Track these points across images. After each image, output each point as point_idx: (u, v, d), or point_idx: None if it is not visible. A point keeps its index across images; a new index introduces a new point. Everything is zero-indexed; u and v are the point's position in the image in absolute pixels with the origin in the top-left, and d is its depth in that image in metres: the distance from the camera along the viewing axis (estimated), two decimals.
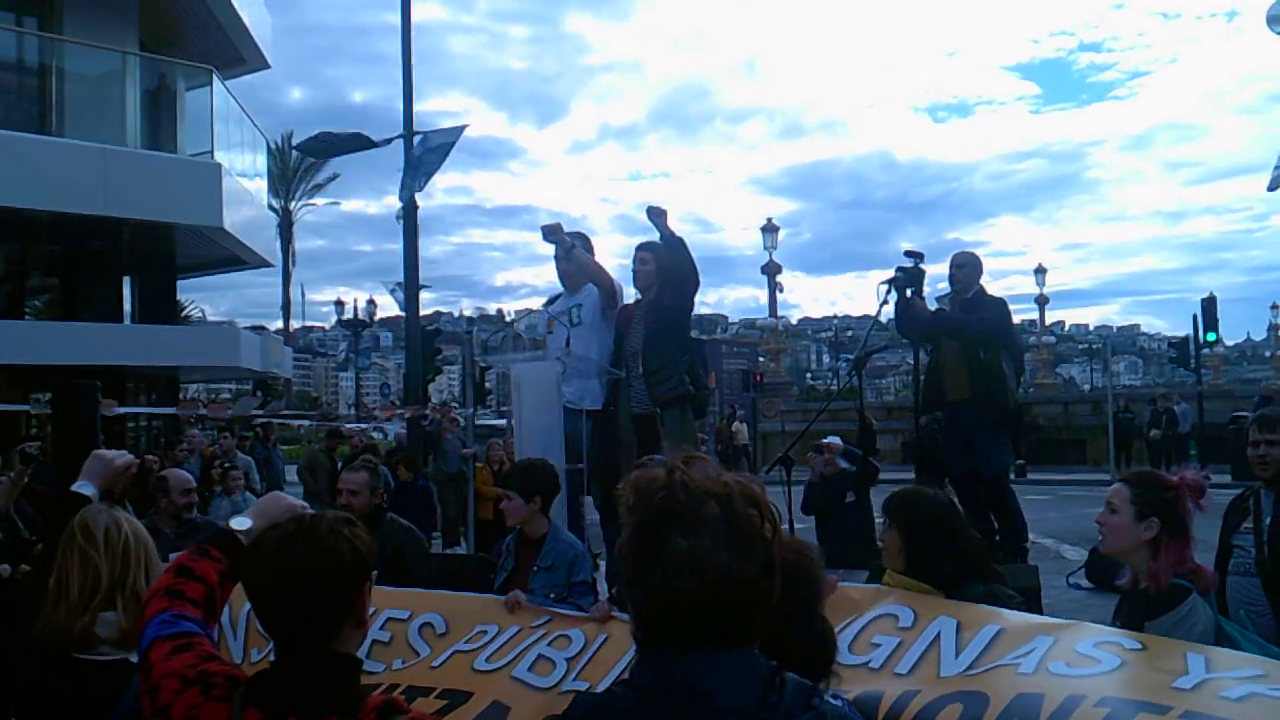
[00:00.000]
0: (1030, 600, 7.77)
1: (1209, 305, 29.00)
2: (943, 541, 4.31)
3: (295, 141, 58.49)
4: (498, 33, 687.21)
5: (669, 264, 8.32)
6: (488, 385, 19.47)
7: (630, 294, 8.75)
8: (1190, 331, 29.70)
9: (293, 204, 58.12)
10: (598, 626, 4.40)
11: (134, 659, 2.82)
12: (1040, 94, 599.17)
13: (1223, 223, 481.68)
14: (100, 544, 3.35)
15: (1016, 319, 10.57)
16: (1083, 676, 3.30)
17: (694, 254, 8.36)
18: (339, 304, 44.71)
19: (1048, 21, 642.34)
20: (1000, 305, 9.30)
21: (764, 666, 1.80)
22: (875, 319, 9.37)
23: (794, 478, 8.68)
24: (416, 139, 17.19)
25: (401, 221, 17.83)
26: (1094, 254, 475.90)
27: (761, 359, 45.04)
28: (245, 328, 30.74)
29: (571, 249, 8.55)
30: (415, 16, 18.06)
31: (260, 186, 25.24)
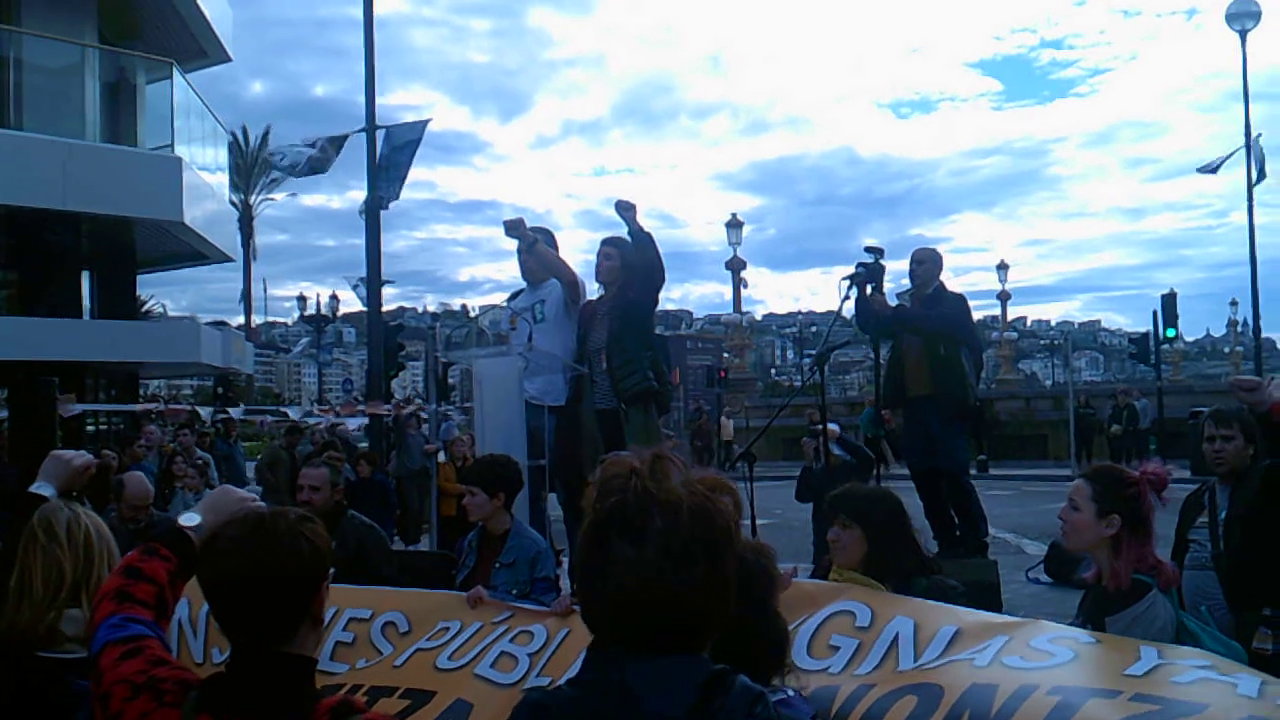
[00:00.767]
0: (989, 595, 7.86)
1: (1169, 301, 29.25)
2: (903, 540, 4.40)
3: (263, 139, 58.56)
4: (460, 26, 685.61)
5: (634, 260, 8.32)
6: (451, 381, 19.39)
7: (593, 289, 8.75)
8: (1150, 327, 29.97)
9: (253, 198, 57.82)
10: (560, 621, 4.38)
11: None
12: (1002, 90, 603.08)
13: (1183, 219, 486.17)
14: (63, 540, 3.32)
15: (979, 315, 10.67)
16: (1036, 669, 3.32)
17: (660, 250, 8.39)
18: (301, 299, 44.27)
19: (1010, 18, 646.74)
20: (960, 301, 9.37)
21: (704, 673, 1.79)
22: (838, 314, 9.40)
23: (758, 473, 8.71)
24: (380, 134, 17.13)
25: (364, 217, 17.76)
26: (1056, 250, 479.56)
27: (726, 355, 45.21)
28: (206, 323, 30.52)
29: (534, 244, 8.54)
30: (377, 10, 18.00)
31: (221, 180, 25.08)
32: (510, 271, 9.11)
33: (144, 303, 27.47)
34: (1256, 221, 27.78)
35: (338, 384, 61.52)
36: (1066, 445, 29.75)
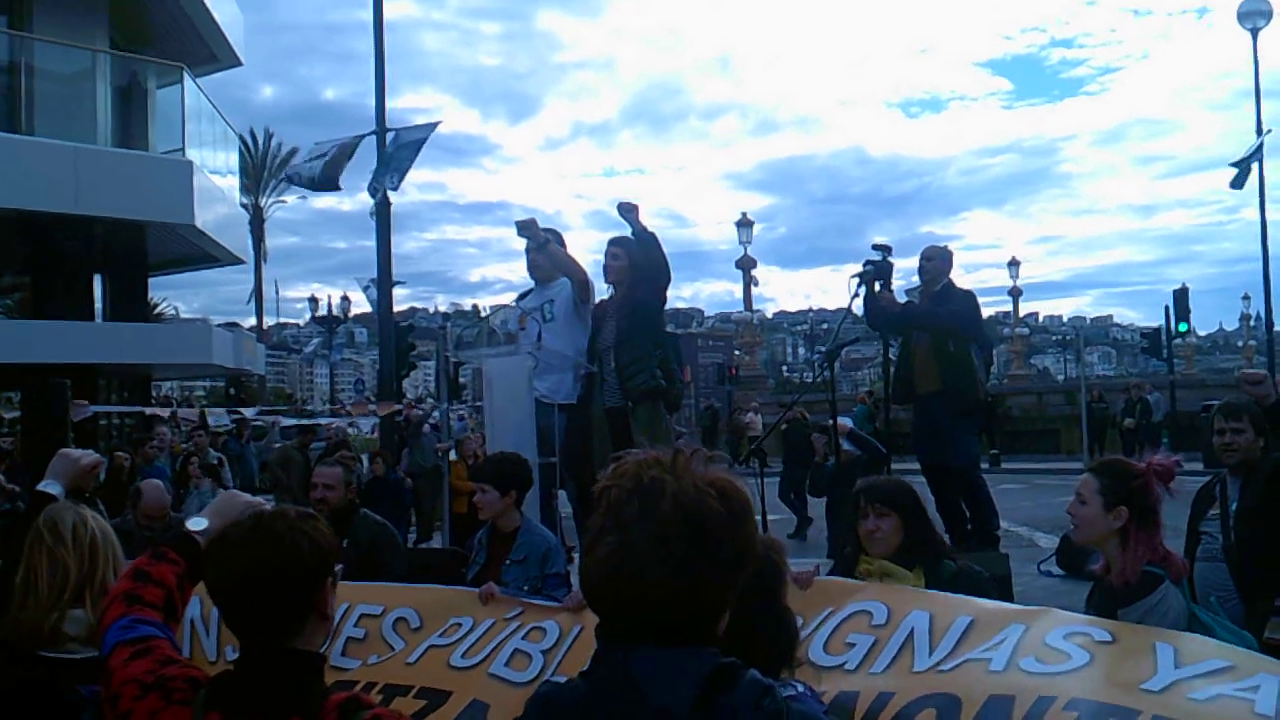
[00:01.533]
0: (1002, 587, 7.84)
1: (1180, 296, 29.20)
2: (929, 525, 4.60)
3: (268, 143, 58.62)
4: (469, 29, 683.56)
5: (640, 259, 8.34)
6: (462, 380, 19.44)
7: (603, 289, 8.77)
8: (1162, 322, 29.90)
9: (264, 200, 57.90)
10: (572, 617, 4.38)
11: None
12: (1012, 90, 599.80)
13: (1194, 216, 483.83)
14: (68, 541, 3.34)
15: (990, 311, 10.70)
16: (1052, 674, 3.31)
17: (665, 249, 8.40)
18: (313, 300, 44.35)
19: (1019, 18, 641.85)
20: (969, 298, 9.37)
21: (711, 666, 1.78)
22: (848, 312, 9.41)
23: (768, 470, 8.69)
24: (389, 136, 17.15)
25: (375, 218, 17.78)
26: (1067, 247, 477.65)
27: (737, 352, 45.12)
28: (218, 325, 30.61)
29: (546, 243, 8.56)
30: (387, 14, 18.04)
31: (232, 184, 25.13)
32: (521, 272, 9.11)
33: (156, 305, 27.56)
34: (1269, 217, 27.75)
35: (349, 384, 61.50)
36: (1079, 439, 29.67)
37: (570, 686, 1.87)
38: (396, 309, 21.97)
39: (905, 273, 10.15)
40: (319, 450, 16.83)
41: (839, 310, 9.92)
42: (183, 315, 46.91)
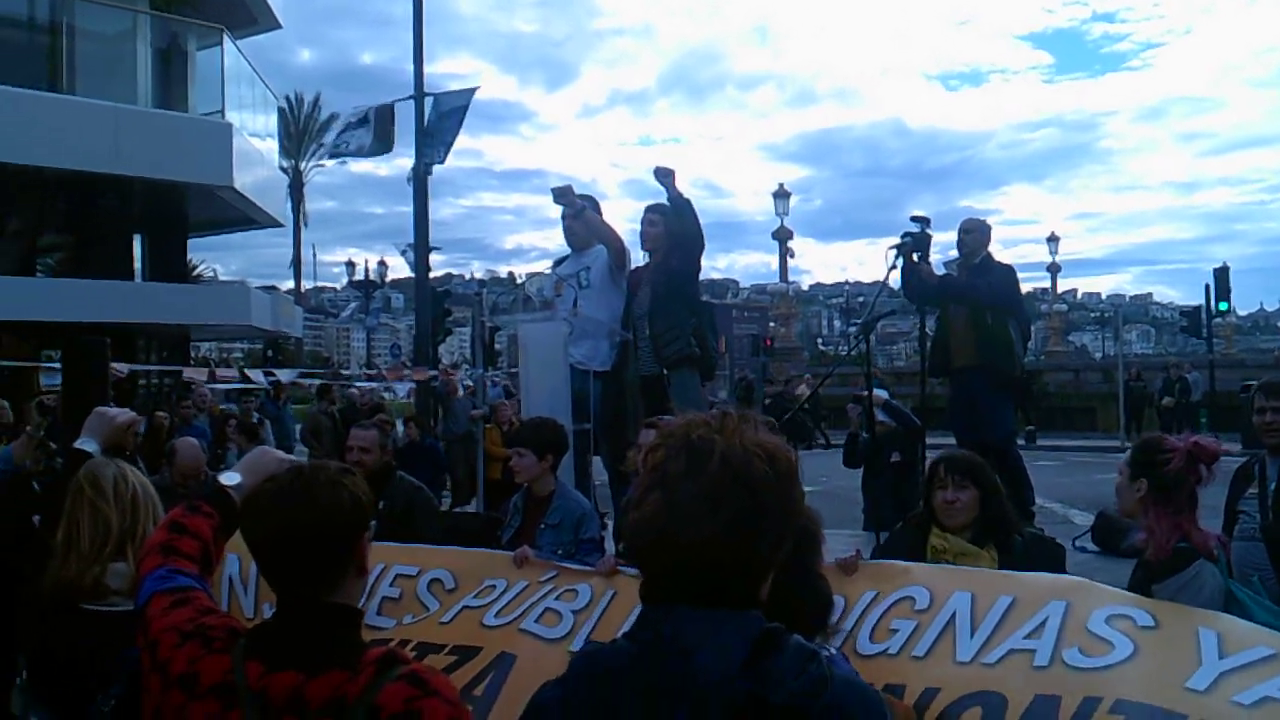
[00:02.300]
0: None
1: (1221, 275, 28.91)
2: (1004, 502, 4.66)
3: (310, 106, 58.71)
4: None
5: (676, 226, 8.33)
6: (498, 347, 19.51)
7: (638, 257, 8.77)
8: (1202, 301, 29.63)
9: (303, 164, 58.09)
10: (605, 581, 4.41)
11: None
12: (1053, 63, 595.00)
13: (1237, 194, 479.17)
14: (109, 495, 3.37)
15: (1028, 287, 10.58)
16: (1098, 670, 3.32)
17: (700, 217, 8.38)
18: (350, 265, 44.47)
19: None
20: (1008, 271, 9.29)
21: (757, 629, 1.76)
22: (884, 284, 9.35)
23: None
24: (428, 101, 17.16)
25: (412, 184, 17.83)
26: (1107, 224, 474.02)
27: (772, 324, 45.04)
28: (256, 287, 30.78)
29: (582, 210, 8.55)
30: None
31: (271, 147, 25.23)
32: (557, 239, 9.12)
33: (194, 266, 27.65)
34: None
35: (385, 349, 61.82)
36: (1115, 417, 29.50)
37: (615, 647, 1.86)
38: (432, 275, 22.03)
39: (942, 247, 10.07)
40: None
41: (875, 284, 9.85)
42: (221, 277, 47.15)
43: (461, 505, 15.46)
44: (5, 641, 4.26)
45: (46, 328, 18.29)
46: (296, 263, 55.40)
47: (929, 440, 8.63)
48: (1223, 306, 29.42)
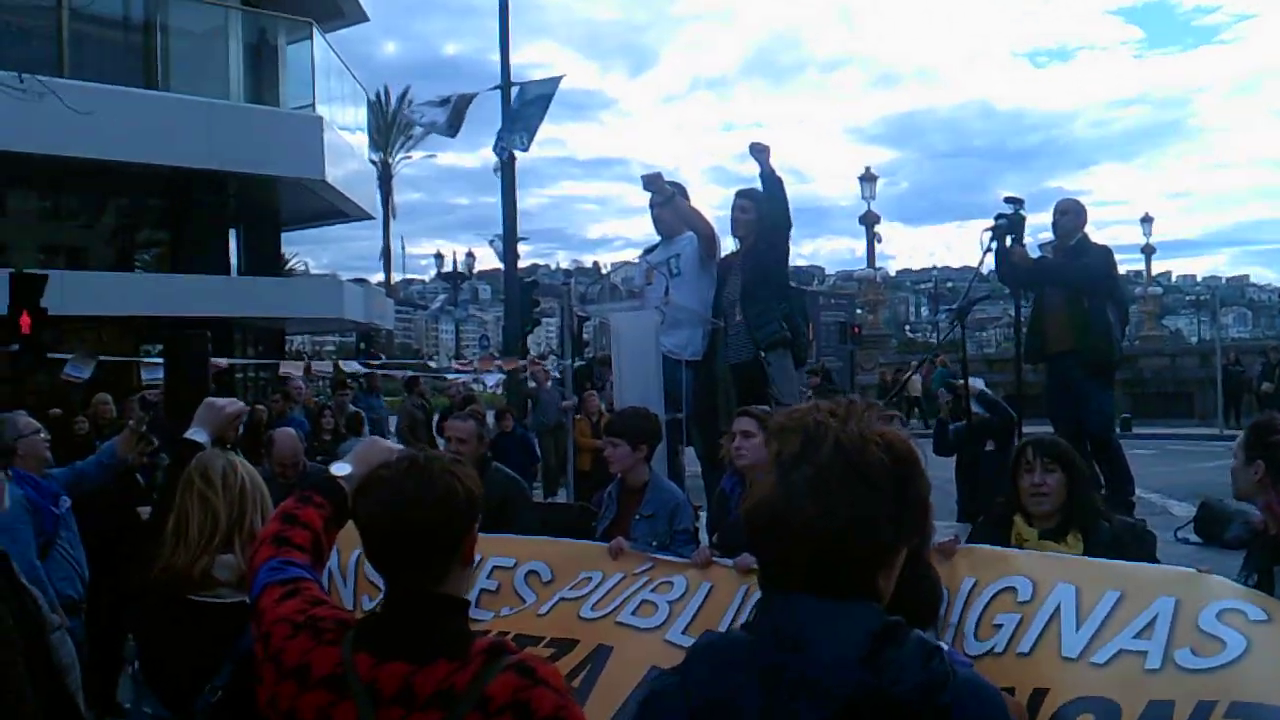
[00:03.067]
0: None
1: None
2: (1090, 487, 4.68)
3: (398, 100, 59.27)
4: None
5: (766, 210, 8.29)
6: (585, 336, 19.55)
7: (728, 244, 8.73)
8: None
9: (392, 157, 58.67)
10: (700, 573, 4.41)
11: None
12: (1144, 38, 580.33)
13: None
14: (218, 486, 3.41)
15: (1121, 270, 10.33)
16: (1210, 671, 3.25)
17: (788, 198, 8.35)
18: (438, 256, 45.06)
19: None
20: (1105, 253, 9.11)
21: (878, 622, 1.75)
22: (978, 269, 9.22)
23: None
24: (514, 90, 17.21)
25: (499, 174, 17.92)
26: (1200, 203, 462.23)
27: (859, 311, 44.63)
28: (347, 280, 31.16)
29: (671, 197, 8.54)
30: None
31: (360, 140, 25.53)
32: (641, 228, 9.09)
33: (287, 260, 28.09)
34: None
35: (474, 340, 62.22)
36: (1213, 403, 28.86)
37: (734, 637, 1.86)
38: (519, 266, 22.14)
39: (1033, 230, 9.88)
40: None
41: (963, 268, 9.80)
42: (313, 270, 47.83)
43: (551, 496, 15.56)
44: (114, 632, 4.35)
45: (146, 322, 18.69)
46: (386, 255, 56.11)
47: (1025, 429, 8.50)
48: None
